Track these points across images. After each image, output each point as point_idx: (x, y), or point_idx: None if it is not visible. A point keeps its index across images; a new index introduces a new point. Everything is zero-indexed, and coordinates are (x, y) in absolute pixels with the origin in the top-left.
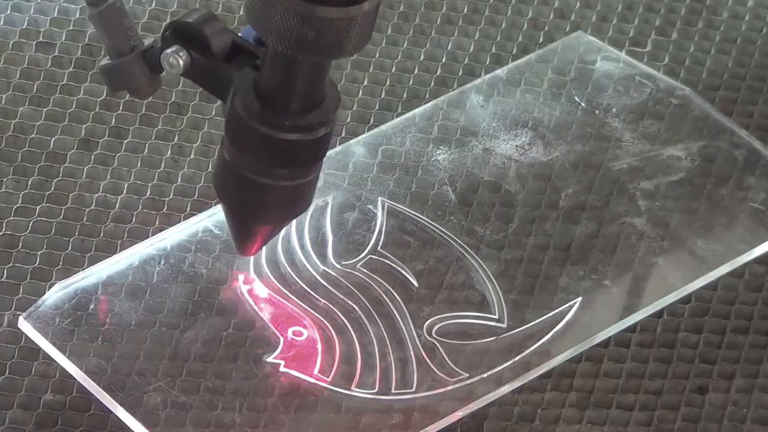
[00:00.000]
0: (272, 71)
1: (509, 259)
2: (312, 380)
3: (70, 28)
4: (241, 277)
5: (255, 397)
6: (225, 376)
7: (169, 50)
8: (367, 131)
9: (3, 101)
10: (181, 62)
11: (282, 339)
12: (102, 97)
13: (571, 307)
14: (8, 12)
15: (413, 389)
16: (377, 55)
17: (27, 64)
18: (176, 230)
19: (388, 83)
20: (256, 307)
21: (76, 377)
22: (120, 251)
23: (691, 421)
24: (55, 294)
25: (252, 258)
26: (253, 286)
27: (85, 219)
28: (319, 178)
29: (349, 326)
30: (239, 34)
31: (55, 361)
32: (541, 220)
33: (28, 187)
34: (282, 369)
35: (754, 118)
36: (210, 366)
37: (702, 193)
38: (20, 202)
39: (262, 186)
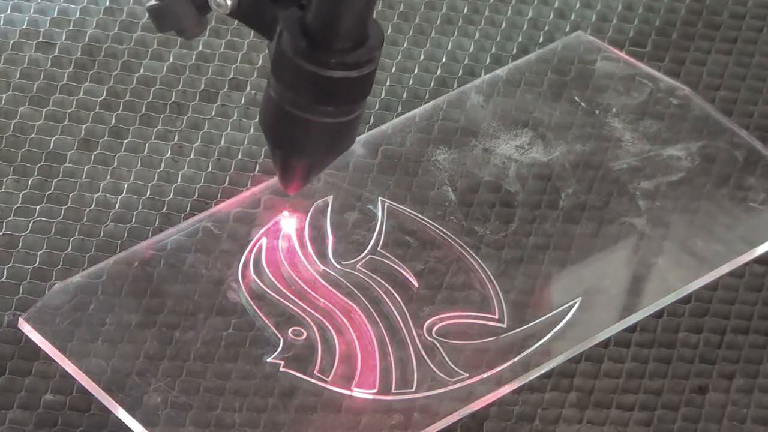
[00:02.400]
0: (318, 9)
1: (509, 259)
2: (312, 380)
3: (70, 28)
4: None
5: (255, 397)
6: (225, 376)
7: None
8: (367, 131)
9: (3, 101)
10: (228, 2)
11: (282, 339)
12: (102, 97)
13: (571, 307)
14: (8, 12)
15: (413, 389)
16: None
17: (27, 64)
18: (176, 230)
19: (388, 83)
20: (255, 307)
21: (76, 377)
22: (120, 251)
23: (691, 421)
24: (55, 294)
25: (242, 258)
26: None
27: (85, 219)
28: (319, 178)
29: (349, 326)
30: None
31: (55, 361)
32: (541, 220)
33: (28, 187)
34: (282, 369)
35: (754, 118)
36: (210, 366)
37: (702, 193)
38: (20, 202)
39: (307, 122)
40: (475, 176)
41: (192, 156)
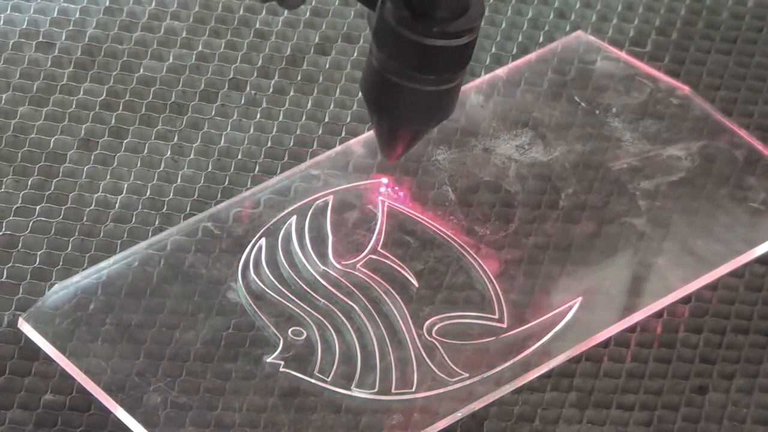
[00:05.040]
0: None
1: (509, 259)
2: (312, 380)
3: (70, 28)
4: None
5: (255, 397)
6: (225, 376)
7: None
8: (367, 131)
9: (3, 101)
10: None
11: (282, 339)
12: (102, 97)
13: (571, 307)
14: (8, 12)
15: (413, 389)
16: None
17: (27, 64)
18: (176, 230)
19: None
20: (255, 307)
21: (76, 377)
22: (120, 251)
23: (691, 421)
24: (55, 294)
25: (242, 258)
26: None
27: (85, 219)
28: (319, 178)
29: (348, 326)
30: None
31: (55, 361)
32: (541, 220)
33: (28, 187)
34: (282, 369)
35: (754, 118)
36: (210, 366)
37: (702, 193)
38: (20, 202)
39: (409, 91)
40: (475, 176)
41: (192, 156)
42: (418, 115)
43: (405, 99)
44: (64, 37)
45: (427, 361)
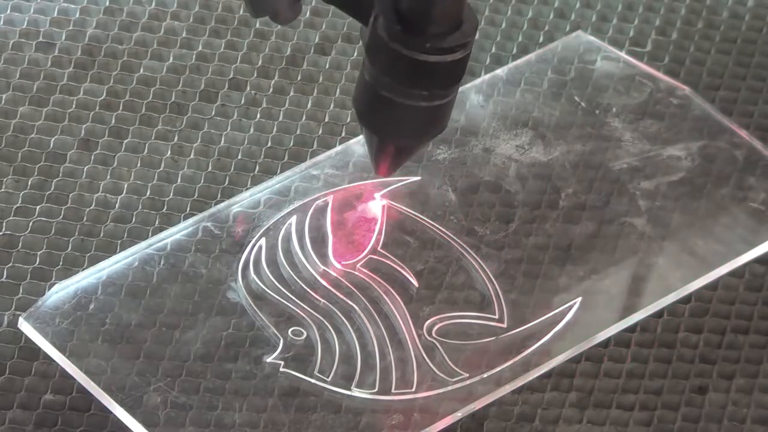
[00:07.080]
0: None
1: (509, 259)
2: (312, 380)
3: (70, 28)
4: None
5: (255, 397)
6: (225, 376)
7: None
8: None
9: (3, 101)
10: None
11: (282, 339)
12: (102, 97)
13: (571, 307)
14: (8, 12)
15: (413, 389)
16: None
17: (27, 64)
18: (176, 230)
19: None
20: (255, 307)
21: (76, 377)
22: (120, 251)
23: (691, 421)
24: (55, 294)
25: (242, 258)
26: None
27: (85, 219)
28: (319, 178)
29: (348, 326)
30: None
31: (55, 361)
32: (541, 220)
33: (28, 187)
34: (282, 369)
35: (754, 118)
36: (210, 366)
37: (702, 193)
38: (20, 202)
39: (402, 106)
40: (475, 176)
41: (192, 156)
42: (410, 131)
43: (397, 114)
44: (64, 37)
45: (427, 361)
